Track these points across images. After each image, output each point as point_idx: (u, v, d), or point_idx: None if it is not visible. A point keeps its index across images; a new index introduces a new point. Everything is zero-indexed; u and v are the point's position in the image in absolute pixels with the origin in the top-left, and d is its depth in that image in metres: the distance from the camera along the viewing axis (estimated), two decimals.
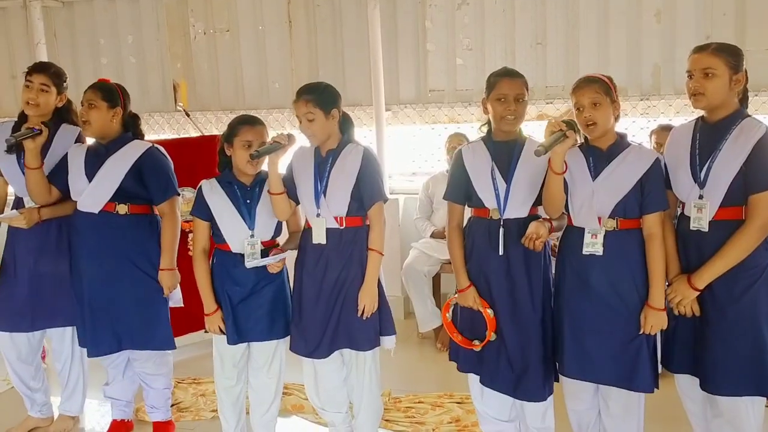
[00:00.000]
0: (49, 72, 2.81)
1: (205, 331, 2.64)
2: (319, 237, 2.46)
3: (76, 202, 2.73)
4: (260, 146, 2.45)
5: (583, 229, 2.25)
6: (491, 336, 2.34)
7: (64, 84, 2.86)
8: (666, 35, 4.17)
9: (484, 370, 2.42)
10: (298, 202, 2.55)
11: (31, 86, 2.76)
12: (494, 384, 2.41)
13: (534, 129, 4.14)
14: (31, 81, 2.77)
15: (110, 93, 2.69)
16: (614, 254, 2.22)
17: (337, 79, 4.80)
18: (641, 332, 2.22)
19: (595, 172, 2.25)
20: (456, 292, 2.46)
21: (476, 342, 2.38)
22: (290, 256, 2.59)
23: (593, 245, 2.23)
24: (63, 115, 2.86)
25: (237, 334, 2.56)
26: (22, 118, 2.84)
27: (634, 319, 2.23)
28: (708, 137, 2.20)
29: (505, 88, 2.31)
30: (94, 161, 2.70)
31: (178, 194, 2.78)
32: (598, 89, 2.19)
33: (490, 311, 2.34)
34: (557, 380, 2.42)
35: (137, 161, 2.68)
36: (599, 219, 2.23)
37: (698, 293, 2.18)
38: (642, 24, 4.21)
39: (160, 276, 2.72)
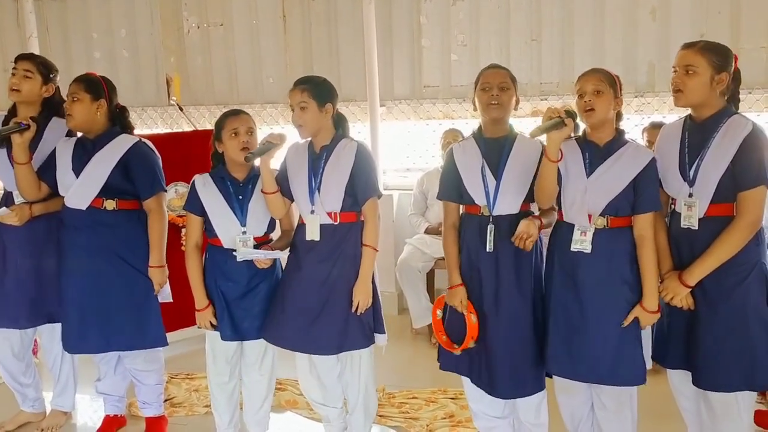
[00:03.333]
0: (33, 60, 2.81)
1: (198, 327, 2.63)
2: (312, 234, 2.45)
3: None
4: (248, 133, 2.48)
5: (573, 225, 2.25)
6: (470, 342, 2.32)
7: (51, 74, 2.83)
8: (661, 33, 4.17)
9: (465, 367, 2.42)
10: (292, 200, 2.54)
11: (16, 73, 2.76)
12: (472, 376, 2.40)
13: (528, 126, 4.14)
14: (16, 68, 2.77)
15: (94, 85, 2.65)
16: (602, 252, 2.21)
17: (332, 74, 4.77)
18: (639, 330, 2.22)
19: (590, 168, 2.24)
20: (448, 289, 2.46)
21: (456, 346, 2.37)
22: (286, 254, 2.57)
23: (582, 242, 2.22)
24: (54, 108, 2.83)
25: (234, 332, 2.55)
26: (13, 112, 2.81)
27: (619, 317, 2.22)
28: (696, 135, 2.21)
29: (489, 77, 2.34)
30: (82, 156, 2.67)
31: (165, 190, 2.75)
32: (602, 78, 2.21)
33: (473, 317, 2.32)
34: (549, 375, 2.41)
35: (124, 156, 2.65)
36: (590, 216, 2.22)
37: (690, 290, 2.19)
38: (637, 21, 4.21)
39: (149, 273, 2.70)
